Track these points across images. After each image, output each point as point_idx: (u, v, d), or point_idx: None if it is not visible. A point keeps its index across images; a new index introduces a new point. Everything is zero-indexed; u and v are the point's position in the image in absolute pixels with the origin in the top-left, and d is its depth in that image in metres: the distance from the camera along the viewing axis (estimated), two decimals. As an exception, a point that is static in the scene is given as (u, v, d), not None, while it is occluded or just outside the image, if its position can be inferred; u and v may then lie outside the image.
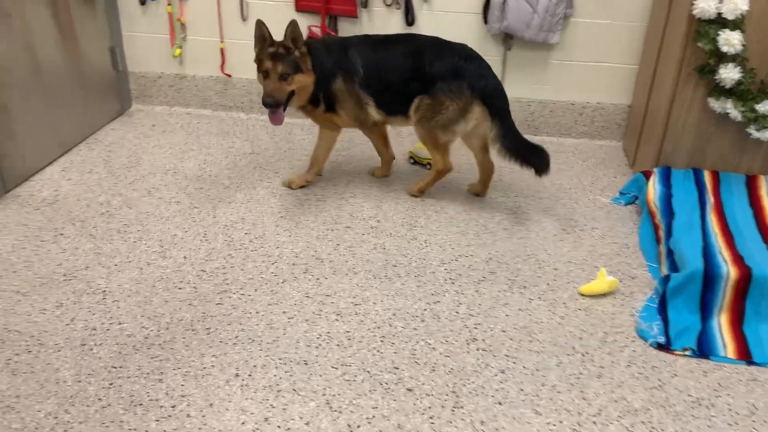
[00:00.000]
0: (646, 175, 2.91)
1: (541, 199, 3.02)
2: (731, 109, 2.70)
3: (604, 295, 2.33)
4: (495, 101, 2.72)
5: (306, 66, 2.64)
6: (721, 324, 2.19)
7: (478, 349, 2.06)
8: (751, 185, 2.84)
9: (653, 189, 2.78)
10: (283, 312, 2.20)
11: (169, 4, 3.63)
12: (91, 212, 2.77)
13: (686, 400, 1.89)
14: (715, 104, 2.75)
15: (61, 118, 3.27)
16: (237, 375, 1.92)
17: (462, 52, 2.74)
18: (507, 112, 2.76)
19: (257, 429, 1.74)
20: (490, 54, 3.52)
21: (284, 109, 2.66)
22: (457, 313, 2.23)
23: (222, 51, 3.71)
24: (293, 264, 2.46)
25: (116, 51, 3.70)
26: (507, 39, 3.47)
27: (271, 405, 1.82)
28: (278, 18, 3.54)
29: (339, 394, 1.87)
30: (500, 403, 1.86)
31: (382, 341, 2.08)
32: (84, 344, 2.02)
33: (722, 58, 2.64)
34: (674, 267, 2.35)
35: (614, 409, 1.85)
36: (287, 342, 2.06)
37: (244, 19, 3.62)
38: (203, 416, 1.77)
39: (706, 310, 2.22)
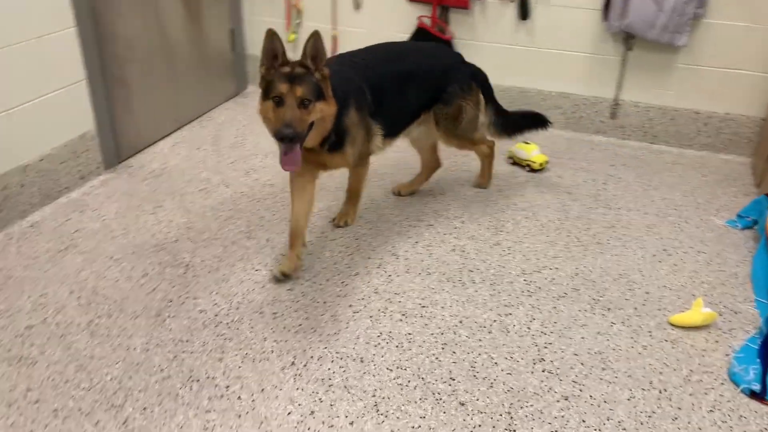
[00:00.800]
0: (771, 198, 2.60)
1: (646, 214, 2.79)
2: None
3: (697, 328, 2.11)
4: (486, 85, 2.71)
5: (328, 92, 2.06)
6: (833, 378, 1.91)
7: (543, 371, 1.94)
8: None
9: (776, 215, 2.48)
10: (350, 305, 2.19)
11: (287, -10, 3.72)
12: (191, 188, 2.91)
13: (773, 461, 1.67)
14: None
15: (178, 95, 3.45)
16: (293, 363, 1.94)
17: (441, 49, 2.82)
18: (492, 92, 2.75)
19: (302, 422, 1.75)
20: (608, 54, 3.30)
21: (301, 147, 2.04)
22: (528, 328, 2.11)
23: (334, 39, 3.75)
24: (368, 258, 2.44)
25: (236, 33, 3.85)
26: (628, 39, 3.23)
27: (320, 399, 1.82)
28: (391, 7, 3.55)
29: (388, 398, 1.83)
30: (556, 432, 1.74)
31: (443, 348, 2.02)
32: (159, 315, 2.12)
33: None
34: (786, 306, 2.09)
35: (684, 458, 1.67)
36: (347, 336, 2.05)
37: (357, 8, 3.63)
38: (253, 400, 1.80)
39: (816, 360, 1.95)
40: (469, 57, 3.48)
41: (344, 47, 3.75)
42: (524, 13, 3.33)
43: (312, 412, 1.78)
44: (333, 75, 2.09)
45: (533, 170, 3.10)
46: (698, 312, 2.11)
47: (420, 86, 2.51)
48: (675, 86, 3.29)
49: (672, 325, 2.13)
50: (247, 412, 1.77)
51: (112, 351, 1.95)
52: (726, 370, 1.95)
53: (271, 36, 2.00)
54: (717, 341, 2.07)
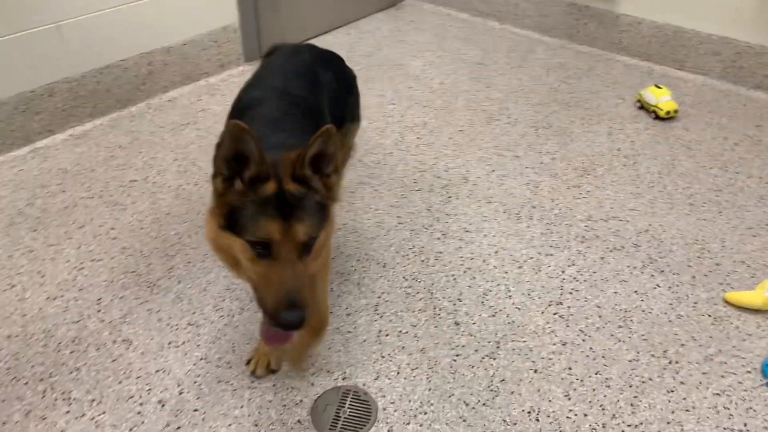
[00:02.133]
0: None
1: (767, 183, 2.45)
2: None
3: (754, 310, 1.89)
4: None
5: (333, 207, 1.36)
6: None
7: (555, 314, 1.90)
8: None
9: None
10: (398, 216, 2.28)
11: None
12: (311, 88, 3.12)
13: (760, 459, 1.51)
14: None
15: (326, 0, 3.64)
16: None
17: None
18: None
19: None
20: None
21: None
22: (562, 272, 2.05)
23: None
24: (437, 177, 2.48)
25: (397, -56, 3.90)
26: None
27: (332, 289, 1.97)
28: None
29: (391, 302, 1.93)
30: (535, 371, 1.72)
31: (464, 272, 2.04)
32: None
33: None
34: None
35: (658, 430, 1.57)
36: (381, 242, 2.16)
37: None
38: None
39: None
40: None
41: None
42: (693, -60, 2.95)
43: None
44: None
45: (658, 117, 2.84)
46: (761, 294, 1.88)
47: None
48: None
49: (726, 302, 1.93)
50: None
51: (185, 212, 2.27)
52: (762, 360, 1.75)
53: (240, 132, 1.18)
54: (771, 329, 1.84)
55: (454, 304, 1.93)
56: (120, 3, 2.68)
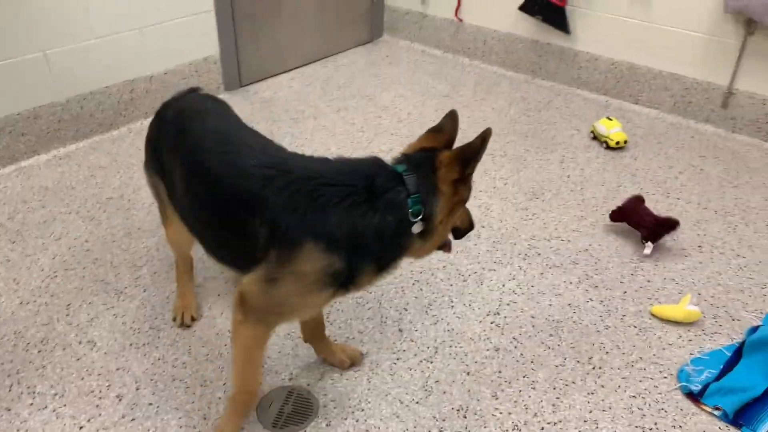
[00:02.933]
0: None
1: (705, 209, 2.60)
2: None
3: (677, 323, 2.03)
4: None
5: None
6: (796, 403, 1.76)
7: (492, 323, 2.04)
8: None
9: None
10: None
11: (423, -54, 3.89)
12: (285, 116, 3.31)
13: (665, 454, 1.64)
14: None
15: (306, 34, 3.85)
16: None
17: None
18: None
19: (262, 311, 2.07)
20: (727, 37, 3.03)
21: None
22: (503, 285, 2.20)
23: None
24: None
25: (375, -17, 4.14)
26: (750, 21, 2.93)
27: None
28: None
29: (341, 310, 2.07)
30: (468, 374, 1.86)
31: (413, 284, 2.19)
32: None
33: None
34: (778, 322, 1.93)
35: (576, 428, 1.70)
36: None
37: (482, -34, 3.70)
38: None
39: (785, 381, 1.80)
40: (584, 26, 3.44)
41: (467, 5, 3.84)
42: (642, -15, 3.17)
43: (274, 306, 2.09)
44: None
45: (609, 147, 3.02)
46: (682, 308, 2.03)
47: None
48: (799, 80, 2.94)
49: (652, 315, 2.07)
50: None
51: (155, 227, 2.43)
52: (675, 365, 1.89)
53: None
54: (691, 340, 1.98)
55: (400, 313, 2.07)
56: (105, 33, 2.88)
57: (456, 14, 3.94)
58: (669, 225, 2.32)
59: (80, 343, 1.92)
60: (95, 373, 1.83)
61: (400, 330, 2.00)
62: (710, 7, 3.03)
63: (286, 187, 1.39)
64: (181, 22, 3.15)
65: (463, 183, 1.47)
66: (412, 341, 1.96)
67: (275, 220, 1.37)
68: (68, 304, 2.06)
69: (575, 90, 3.61)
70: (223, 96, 3.42)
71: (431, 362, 1.89)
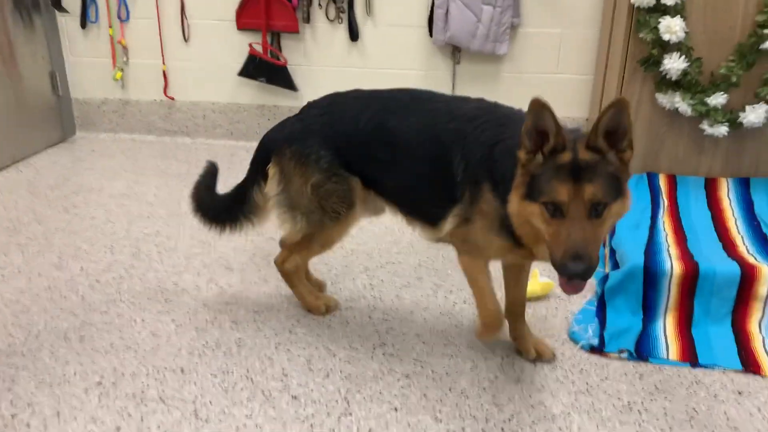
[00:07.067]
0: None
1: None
2: (680, 102, 2.51)
3: (537, 298, 2.08)
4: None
5: (626, 183, 1.43)
6: (667, 325, 1.93)
7: (384, 354, 1.81)
8: (710, 187, 2.61)
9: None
10: (172, 320, 1.96)
11: (110, 27, 3.54)
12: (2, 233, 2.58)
13: (615, 405, 1.62)
14: (664, 99, 2.57)
15: (-13, 138, 3.13)
16: (99, 383, 1.68)
17: None
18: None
19: (104, 440, 1.49)
20: (438, 69, 3.39)
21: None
22: (369, 317, 1.99)
23: (164, 73, 3.59)
24: (198, 274, 2.23)
25: (56, 75, 3.60)
26: (455, 52, 3.34)
27: (129, 414, 1.57)
28: (221, 37, 3.46)
29: (210, 403, 1.61)
30: (396, 410, 1.59)
31: (276, 348, 1.84)
32: (-65, 353, 1.78)
33: (665, 47, 2.47)
34: (616, 266, 2.11)
35: (528, 415, 1.58)
36: (168, 350, 1.82)
37: (186, 39, 3.51)
38: (45, 426, 1.52)
39: (649, 310, 1.97)
40: (305, 82, 3.49)
41: (176, 82, 3.60)
42: (353, 34, 3.37)
43: (118, 428, 1.52)
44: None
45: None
46: (536, 282, 2.09)
47: None
48: (503, 94, 3.37)
49: (516, 298, 2.09)
50: (36, 440, 1.49)
51: None
52: (566, 332, 1.91)
53: (540, 108, 1.34)
54: (557, 308, 2.05)
55: (282, 381, 1.69)
56: None
57: (165, 92, 3.64)
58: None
59: None
60: None
61: (294, 397, 1.63)
62: (419, 45, 3.36)
63: (480, 126, 1.57)
64: None
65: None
66: (315, 403, 1.61)
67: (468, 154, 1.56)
68: None
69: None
70: None
71: (350, 414, 1.57)
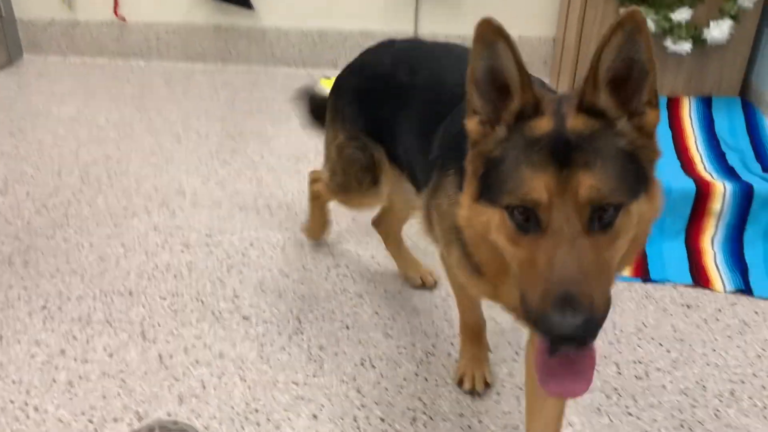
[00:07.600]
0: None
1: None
2: (644, 19, 2.44)
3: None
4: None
5: (652, 168, 0.87)
6: (621, 242, 1.93)
7: (338, 275, 1.79)
8: (672, 107, 2.58)
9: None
10: (121, 244, 1.91)
11: (53, -60, 3.32)
12: (-61, 154, 2.47)
13: (565, 319, 1.63)
14: (628, 16, 2.49)
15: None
16: (44, 307, 1.64)
17: None
18: None
19: (48, 362, 1.47)
20: (401, -15, 3.26)
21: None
22: (325, 240, 1.96)
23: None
24: (149, 198, 2.17)
25: (-2, -6, 3.39)
26: (418, -33, 3.20)
27: (74, 336, 1.54)
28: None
29: (158, 324, 1.59)
30: (348, 327, 1.59)
31: (228, 270, 1.81)
32: None
33: (630, -41, 2.38)
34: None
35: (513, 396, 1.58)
36: (116, 274, 1.78)
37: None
38: (-14, 350, 1.49)
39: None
40: (265, 1, 3.33)
41: (127, 1, 3.42)
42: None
43: (62, 351, 1.50)
44: None
45: (337, 105, 2.97)
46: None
47: None
48: (470, 14, 3.30)
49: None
50: (-23, 363, 1.45)
51: None
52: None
53: (493, 37, 0.81)
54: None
55: (232, 302, 1.67)
56: None
57: (116, 13, 3.46)
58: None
59: None
60: None
61: (245, 317, 1.61)
62: (380, -40, 3.21)
63: None
64: None
65: None
66: (266, 323, 1.60)
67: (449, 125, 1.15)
68: None
69: (273, 69, 3.48)
70: None
71: (301, 333, 1.56)
